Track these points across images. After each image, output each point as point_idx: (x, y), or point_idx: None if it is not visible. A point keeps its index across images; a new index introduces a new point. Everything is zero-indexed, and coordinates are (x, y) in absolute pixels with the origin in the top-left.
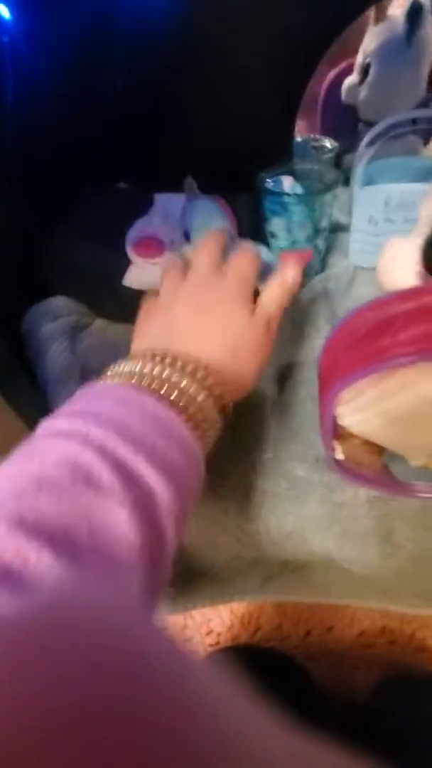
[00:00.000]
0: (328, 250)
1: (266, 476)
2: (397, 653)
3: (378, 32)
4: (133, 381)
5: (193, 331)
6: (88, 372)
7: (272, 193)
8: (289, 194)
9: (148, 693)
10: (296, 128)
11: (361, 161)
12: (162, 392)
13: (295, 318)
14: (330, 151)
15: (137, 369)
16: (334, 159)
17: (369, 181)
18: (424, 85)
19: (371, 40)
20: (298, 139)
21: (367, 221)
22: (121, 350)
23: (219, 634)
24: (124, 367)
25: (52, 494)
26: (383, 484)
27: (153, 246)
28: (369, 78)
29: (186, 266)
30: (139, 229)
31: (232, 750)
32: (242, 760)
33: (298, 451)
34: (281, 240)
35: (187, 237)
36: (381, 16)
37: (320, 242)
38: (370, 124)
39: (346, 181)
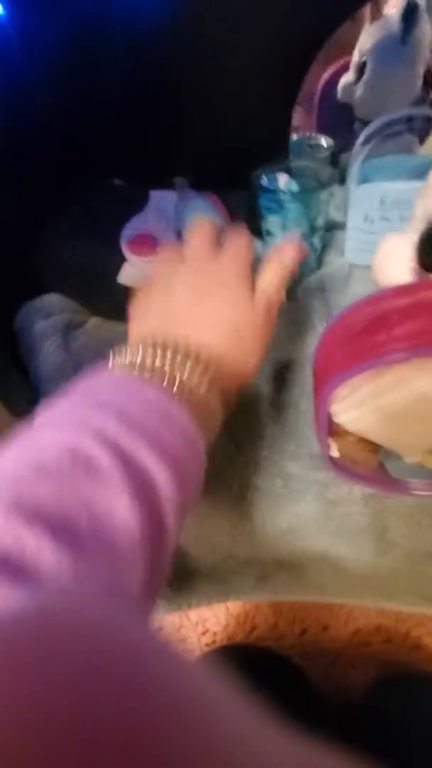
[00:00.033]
0: (324, 248)
1: (261, 474)
2: (392, 652)
3: (373, 31)
4: (135, 372)
5: (192, 318)
6: (82, 370)
7: (268, 190)
8: (284, 191)
9: (143, 697)
10: (292, 126)
11: (356, 159)
12: (164, 383)
13: (291, 316)
14: (326, 149)
15: (138, 360)
16: (329, 157)
17: (364, 180)
18: (419, 83)
19: (367, 38)
20: (294, 137)
21: (363, 219)
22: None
23: (215, 634)
24: (124, 357)
25: (51, 481)
26: (378, 481)
27: (148, 244)
28: (364, 76)
29: (181, 252)
30: (133, 226)
31: (227, 753)
32: (238, 764)
33: (293, 449)
34: (277, 237)
35: (180, 237)
36: (376, 15)
37: (316, 240)
38: (365, 123)
39: (342, 180)
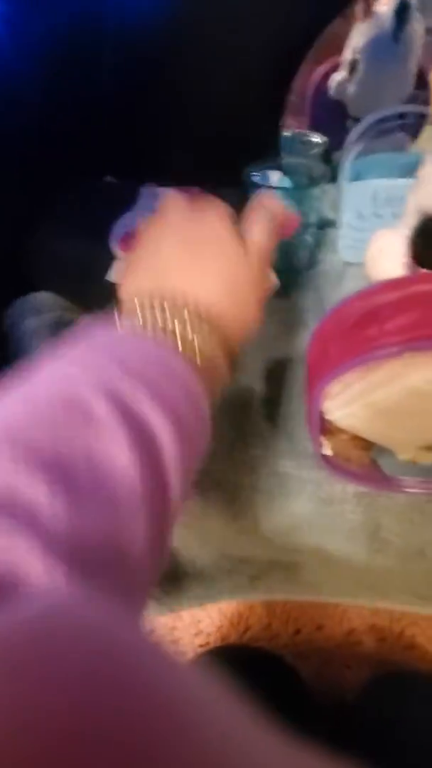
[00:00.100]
0: (317, 246)
1: (254, 473)
2: (386, 651)
3: (365, 29)
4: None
5: (186, 274)
6: None
7: (259, 186)
8: (276, 188)
9: (137, 699)
10: (285, 124)
11: (348, 157)
12: (165, 339)
13: (284, 314)
14: (318, 145)
15: (137, 319)
16: (322, 154)
17: (357, 177)
18: (411, 81)
19: (359, 36)
20: (287, 133)
21: (355, 216)
22: None
23: (208, 635)
24: (120, 318)
25: (46, 426)
26: (371, 479)
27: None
28: (357, 74)
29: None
30: (123, 224)
31: (219, 755)
32: (230, 765)
33: (286, 448)
34: None
35: None
36: (367, 13)
37: (309, 237)
38: (358, 120)
39: (335, 177)
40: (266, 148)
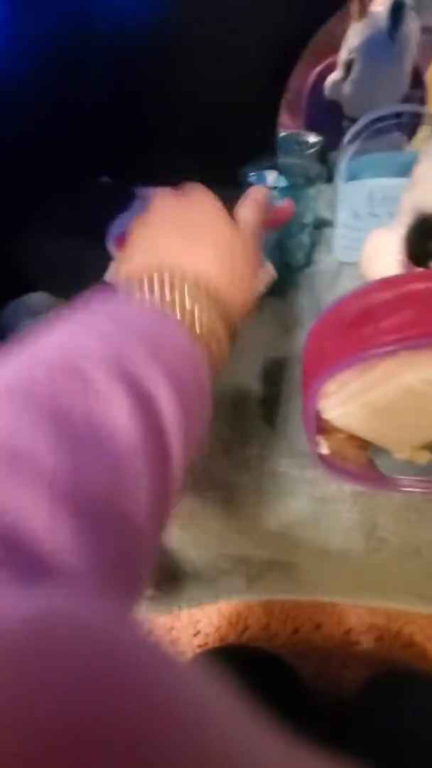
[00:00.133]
0: (313, 245)
1: (251, 472)
2: (384, 650)
3: (361, 28)
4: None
5: (183, 251)
6: None
7: None
8: (272, 188)
9: (137, 699)
10: (282, 124)
11: (344, 156)
12: (163, 310)
13: (280, 313)
14: (313, 145)
15: (136, 293)
16: (318, 154)
17: (353, 177)
18: (407, 80)
19: (354, 36)
20: (283, 134)
21: (352, 216)
22: None
23: (207, 635)
24: (118, 292)
25: (46, 387)
26: (368, 478)
27: None
28: (352, 74)
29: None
30: (120, 224)
31: (219, 754)
32: (230, 764)
33: (283, 448)
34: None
35: None
36: (363, 12)
37: (305, 237)
38: (354, 121)
39: (331, 178)
40: (262, 149)
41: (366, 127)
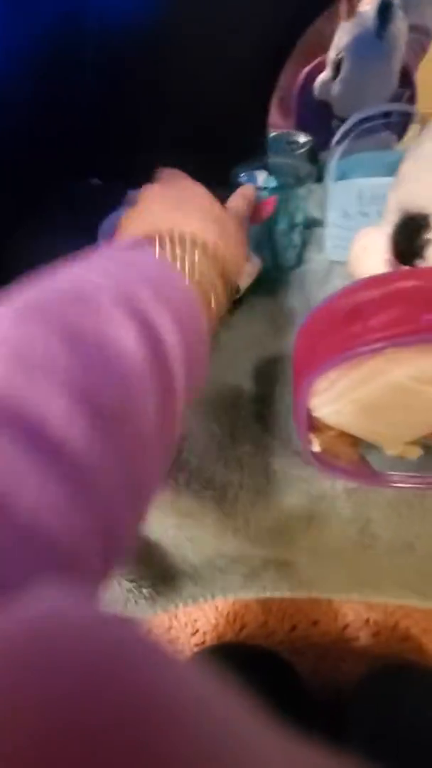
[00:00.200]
0: (304, 245)
1: (244, 471)
2: (381, 644)
3: (349, 27)
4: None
5: (176, 216)
6: None
7: None
8: (262, 188)
9: (137, 698)
10: (273, 124)
11: (333, 156)
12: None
13: (272, 313)
14: (303, 145)
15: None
16: (308, 153)
17: (342, 176)
18: (395, 79)
19: (343, 35)
20: (273, 134)
21: (341, 215)
22: None
23: (204, 633)
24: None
25: (57, 307)
26: (360, 475)
27: None
28: (341, 74)
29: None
30: (111, 224)
31: (220, 752)
32: (231, 762)
33: (275, 445)
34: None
35: None
36: (351, 12)
37: (296, 237)
38: (344, 120)
39: (321, 177)
40: (253, 149)
41: (355, 126)
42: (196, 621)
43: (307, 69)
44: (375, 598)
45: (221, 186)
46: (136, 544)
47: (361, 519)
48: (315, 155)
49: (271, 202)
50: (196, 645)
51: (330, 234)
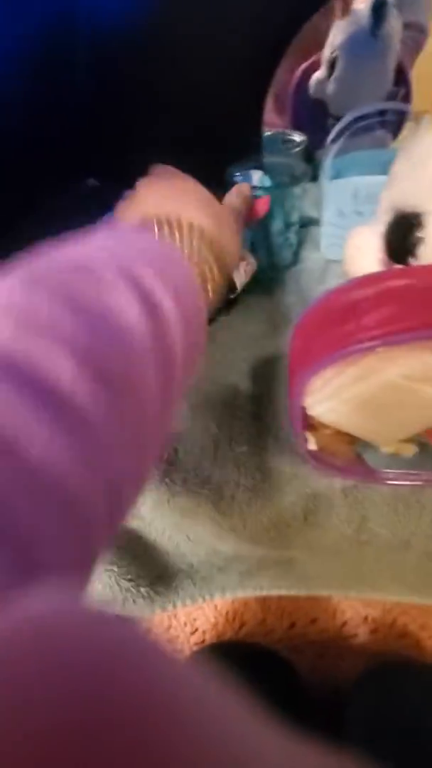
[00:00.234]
0: (300, 244)
1: (240, 470)
2: (379, 641)
3: (344, 26)
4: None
5: (172, 204)
6: None
7: None
8: (257, 187)
9: (137, 697)
10: (270, 122)
11: (328, 155)
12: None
13: (268, 312)
14: (298, 144)
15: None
16: (303, 153)
17: (337, 175)
18: (390, 77)
19: (337, 33)
20: (268, 133)
21: (337, 214)
22: None
23: (204, 632)
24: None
25: (56, 277)
26: (356, 473)
27: None
28: (336, 72)
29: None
30: (108, 221)
31: (220, 752)
32: (231, 762)
33: (272, 444)
34: (251, 233)
35: None
36: (346, 10)
37: (291, 236)
38: (339, 119)
39: (317, 176)
40: (248, 148)
41: (350, 125)
42: (195, 620)
43: (302, 67)
44: (372, 595)
45: (216, 187)
46: (137, 542)
47: (357, 517)
48: (311, 154)
49: (265, 202)
50: (196, 644)
51: (325, 233)
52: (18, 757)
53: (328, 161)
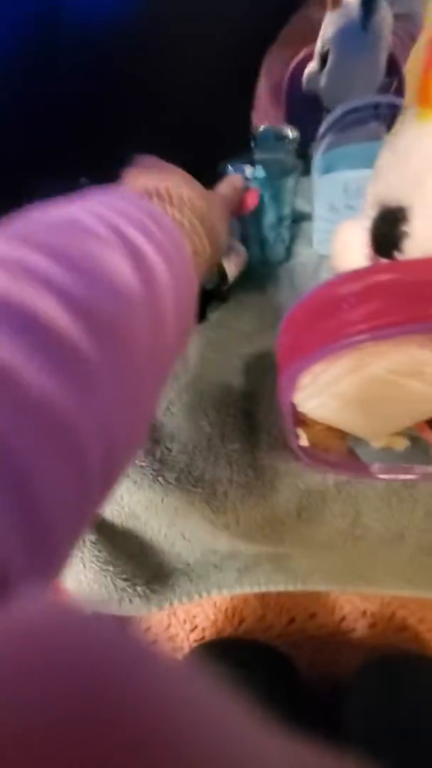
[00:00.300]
0: (293, 239)
1: (233, 467)
2: (378, 635)
3: (335, 19)
4: None
5: (165, 180)
6: None
7: None
8: (250, 179)
9: (135, 699)
10: (264, 113)
11: (318, 149)
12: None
13: (260, 308)
14: (292, 140)
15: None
16: (296, 147)
17: (328, 169)
18: (382, 69)
19: (328, 26)
20: (261, 128)
21: (328, 209)
22: None
23: (203, 629)
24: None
25: (47, 232)
26: (349, 468)
27: None
28: (328, 65)
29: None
30: None
31: (217, 753)
32: (228, 764)
33: (264, 441)
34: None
35: None
36: (337, 2)
37: (284, 231)
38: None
39: (309, 171)
40: (241, 143)
41: (341, 118)
42: (194, 617)
43: (296, 60)
44: (368, 589)
45: (209, 184)
46: (133, 542)
47: (351, 512)
48: (303, 148)
49: (255, 194)
50: (195, 641)
51: (317, 228)
52: (14, 757)
53: (318, 155)
